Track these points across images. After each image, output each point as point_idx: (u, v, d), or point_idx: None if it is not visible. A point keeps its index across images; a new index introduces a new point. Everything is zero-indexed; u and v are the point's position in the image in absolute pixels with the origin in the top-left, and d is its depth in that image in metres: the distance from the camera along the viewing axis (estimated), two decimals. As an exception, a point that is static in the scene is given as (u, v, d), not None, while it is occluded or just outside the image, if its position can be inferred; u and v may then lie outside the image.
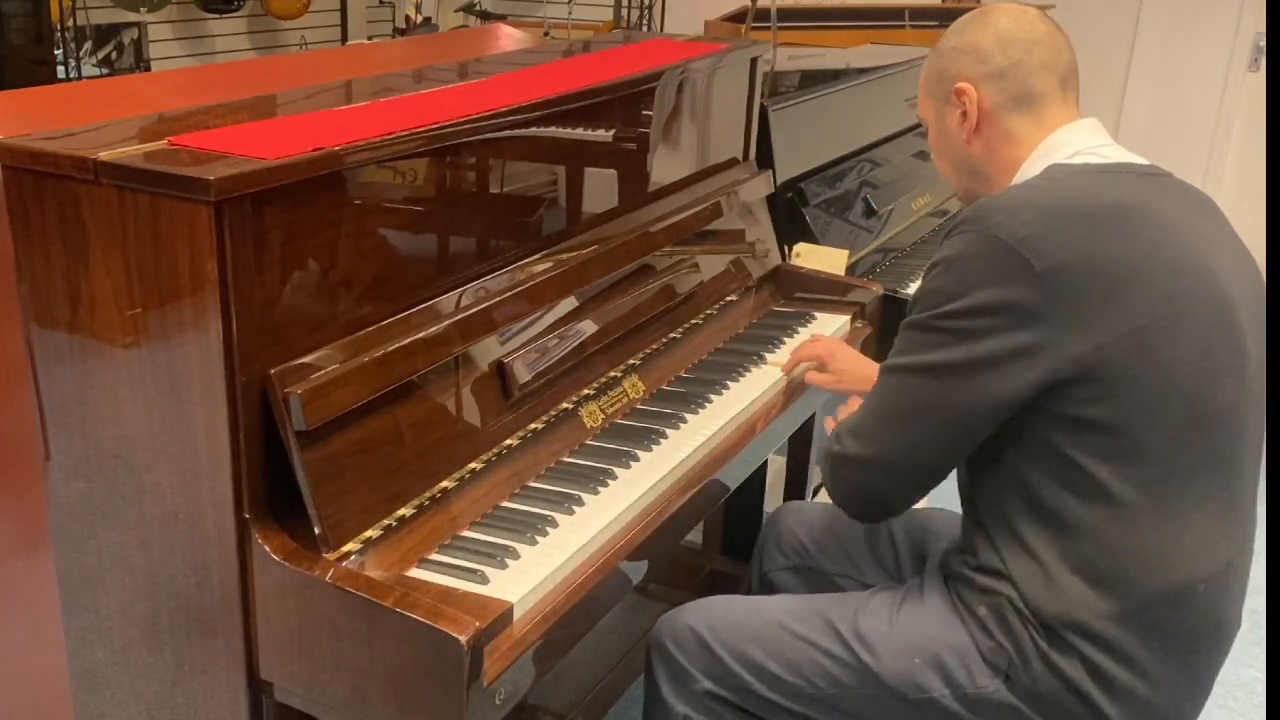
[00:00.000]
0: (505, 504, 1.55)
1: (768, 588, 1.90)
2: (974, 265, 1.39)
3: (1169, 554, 1.41)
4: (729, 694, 1.61)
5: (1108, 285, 1.36)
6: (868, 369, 1.90)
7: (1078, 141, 1.51)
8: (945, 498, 1.74)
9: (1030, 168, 1.52)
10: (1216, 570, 1.43)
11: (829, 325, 2.24)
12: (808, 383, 1.99)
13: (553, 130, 1.78)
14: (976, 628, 1.49)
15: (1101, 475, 1.39)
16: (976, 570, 1.51)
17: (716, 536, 2.67)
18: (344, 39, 6.22)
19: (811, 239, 2.48)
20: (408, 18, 5.99)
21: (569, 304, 1.77)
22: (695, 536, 2.65)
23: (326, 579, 1.29)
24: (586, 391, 1.78)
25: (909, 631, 1.53)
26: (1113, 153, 1.50)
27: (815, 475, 2.77)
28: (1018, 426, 1.41)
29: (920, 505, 1.89)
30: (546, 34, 5.32)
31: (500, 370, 1.62)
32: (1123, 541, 1.40)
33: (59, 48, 4.74)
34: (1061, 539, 1.42)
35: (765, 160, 2.47)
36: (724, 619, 1.63)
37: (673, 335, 2.02)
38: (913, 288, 2.56)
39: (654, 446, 1.72)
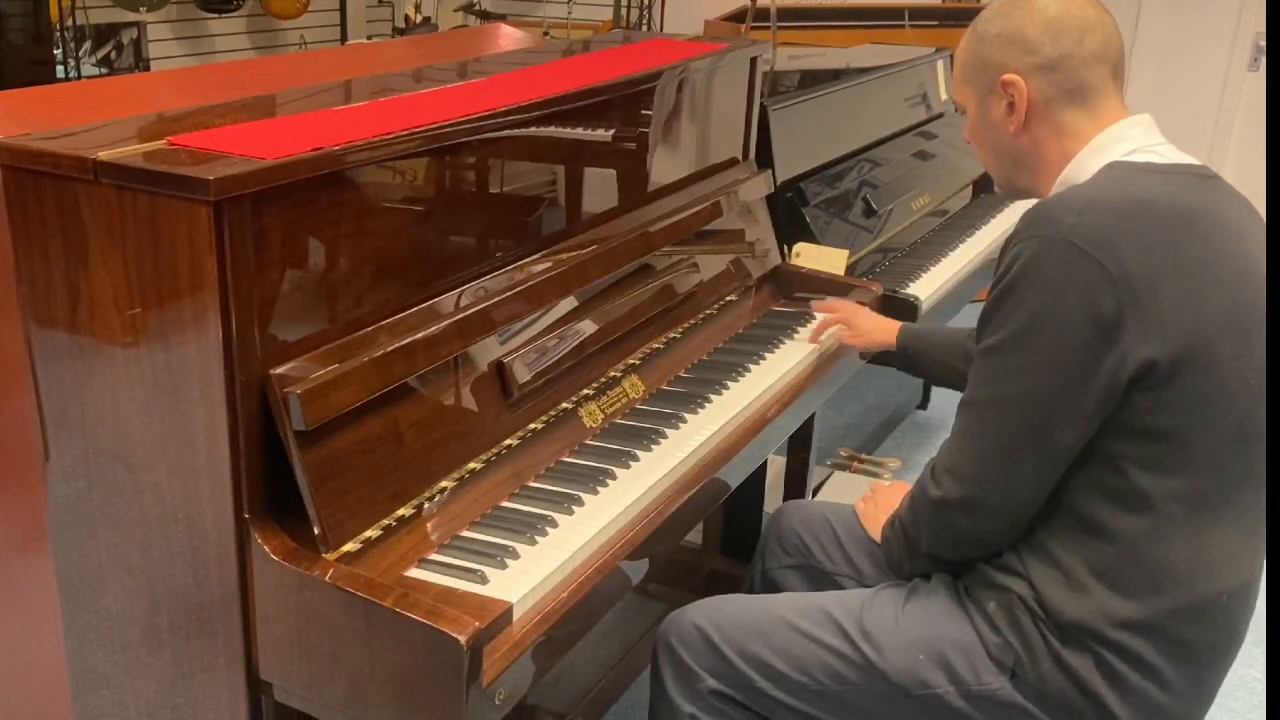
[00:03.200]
0: (505, 504, 1.55)
1: (770, 586, 1.90)
2: (1050, 275, 1.34)
3: (1199, 567, 1.40)
4: (735, 692, 1.60)
5: (1182, 292, 1.33)
6: (886, 324, 2.09)
7: (1134, 138, 1.47)
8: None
9: (1084, 162, 1.47)
10: (1239, 585, 1.43)
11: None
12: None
13: (552, 130, 1.77)
14: (984, 624, 1.48)
15: (1145, 485, 1.37)
16: (989, 565, 1.50)
17: (716, 536, 2.67)
18: (343, 39, 6.22)
19: (811, 239, 2.48)
20: (407, 17, 5.99)
21: (569, 304, 1.77)
22: (695, 536, 2.65)
23: (326, 579, 1.29)
24: (586, 391, 1.78)
25: (914, 627, 1.53)
26: (1169, 152, 1.47)
27: (815, 475, 2.77)
28: None
29: None
30: (546, 34, 5.32)
31: (500, 370, 1.62)
32: (1155, 552, 1.39)
33: (58, 47, 4.74)
34: (1091, 544, 1.41)
35: (765, 160, 2.47)
36: (729, 617, 1.63)
37: (672, 335, 2.02)
38: (912, 287, 2.56)
39: (654, 446, 1.72)
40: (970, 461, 1.44)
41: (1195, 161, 1.48)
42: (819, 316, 2.24)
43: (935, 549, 1.53)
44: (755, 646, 1.59)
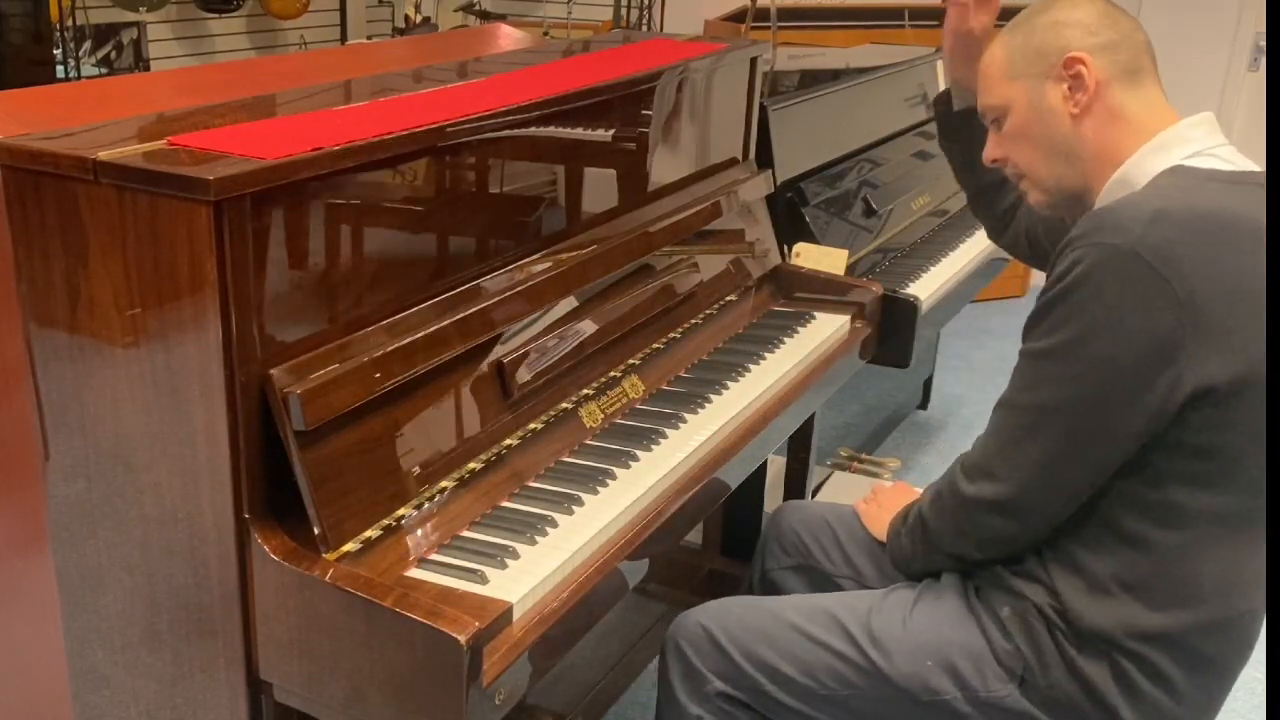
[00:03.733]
0: (505, 504, 1.55)
1: (769, 587, 1.89)
2: (1111, 286, 1.30)
3: (1228, 584, 1.40)
4: (742, 695, 1.60)
5: (1246, 313, 1.31)
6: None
7: (1197, 139, 1.44)
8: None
9: (1144, 163, 1.44)
10: (1260, 604, 1.43)
11: (829, 325, 2.24)
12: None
13: (552, 130, 1.77)
14: (995, 629, 1.48)
15: (1185, 501, 1.36)
16: (1006, 570, 1.49)
17: (716, 536, 2.67)
18: (343, 39, 6.22)
19: (811, 239, 2.48)
20: (407, 17, 5.98)
21: (568, 304, 1.77)
22: (695, 536, 2.65)
23: (326, 579, 1.29)
24: (586, 391, 1.78)
25: (922, 632, 1.52)
26: (1232, 155, 1.44)
27: (815, 475, 2.77)
28: None
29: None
30: (546, 34, 5.32)
31: (500, 370, 1.62)
32: (1187, 567, 1.38)
33: (58, 47, 4.74)
34: (1123, 555, 1.40)
35: (765, 160, 2.46)
36: (736, 619, 1.62)
37: (672, 335, 2.02)
38: (912, 287, 2.56)
39: (654, 446, 1.72)
40: (1008, 464, 1.43)
41: (1256, 168, 1.46)
42: (817, 315, 2.23)
43: (959, 547, 1.52)
44: (762, 650, 1.58)
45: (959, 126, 1.96)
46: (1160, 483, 1.36)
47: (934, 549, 1.56)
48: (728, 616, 1.63)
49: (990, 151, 1.59)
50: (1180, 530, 1.37)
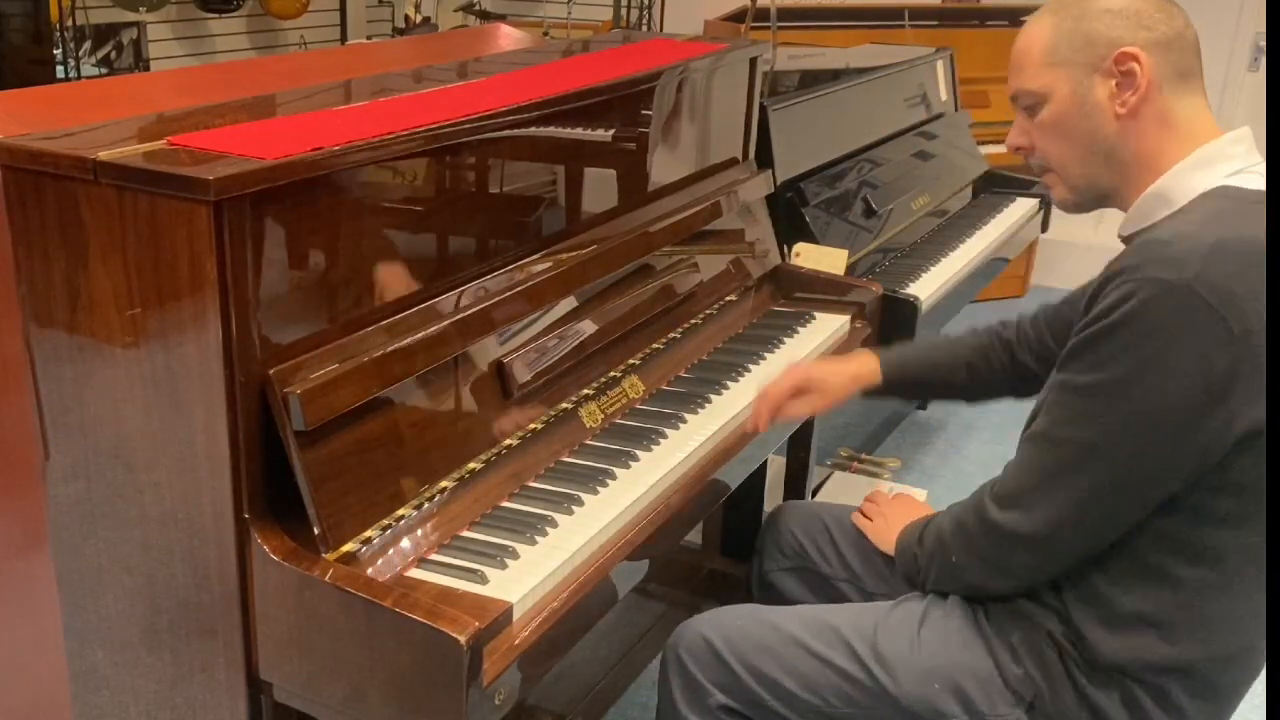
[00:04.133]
0: (505, 504, 1.55)
1: (768, 588, 1.89)
2: (1165, 324, 1.24)
3: (1251, 617, 1.38)
4: (744, 708, 1.58)
5: None
6: (851, 365, 1.84)
7: (1239, 156, 1.37)
8: (944, 496, 1.73)
9: (1185, 179, 1.36)
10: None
11: (829, 325, 2.24)
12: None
13: (552, 130, 1.77)
14: (1005, 653, 1.45)
15: (1219, 540, 1.33)
16: (1019, 595, 1.47)
17: (716, 536, 2.67)
18: (343, 39, 6.22)
19: (811, 239, 2.48)
20: (407, 17, 5.98)
21: (568, 304, 1.77)
22: (695, 536, 2.65)
23: (325, 579, 1.29)
24: (586, 391, 1.78)
25: (930, 654, 1.49)
26: (1264, 169, 1.39)
27: (815, 475, 2.77)
28: None
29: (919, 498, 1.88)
30: (546, 34, 5.32)
31: (500, 370, 1.62)
32: (1214, 603, 1.36)
33: (58, 47, 4.74)
34: (1150, 591, 1.37)
35: (765, 160, 2.47)
36: (739, 631, 1.59)
37: (672, 335, 2.02)
38: (912, 287, 2.56)
39: (654, 446, 1.72)
40: (1045, 500, 1.37)
41: None
42: (817, 315, 2.23)
43: (982, 578, 1.48)
44: (765, 664, 1.55)
45: (915, 394, 1.90)
46: (1197, 521, 1.33)
47: (953, 578, 1.52)
48: (730, 628, 1.60)
49: (1015, 139, 1.49)
50: (1211, 568, 1.34)
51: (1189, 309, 1.23)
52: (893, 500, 1.81)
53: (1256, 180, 1.37)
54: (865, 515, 1.81)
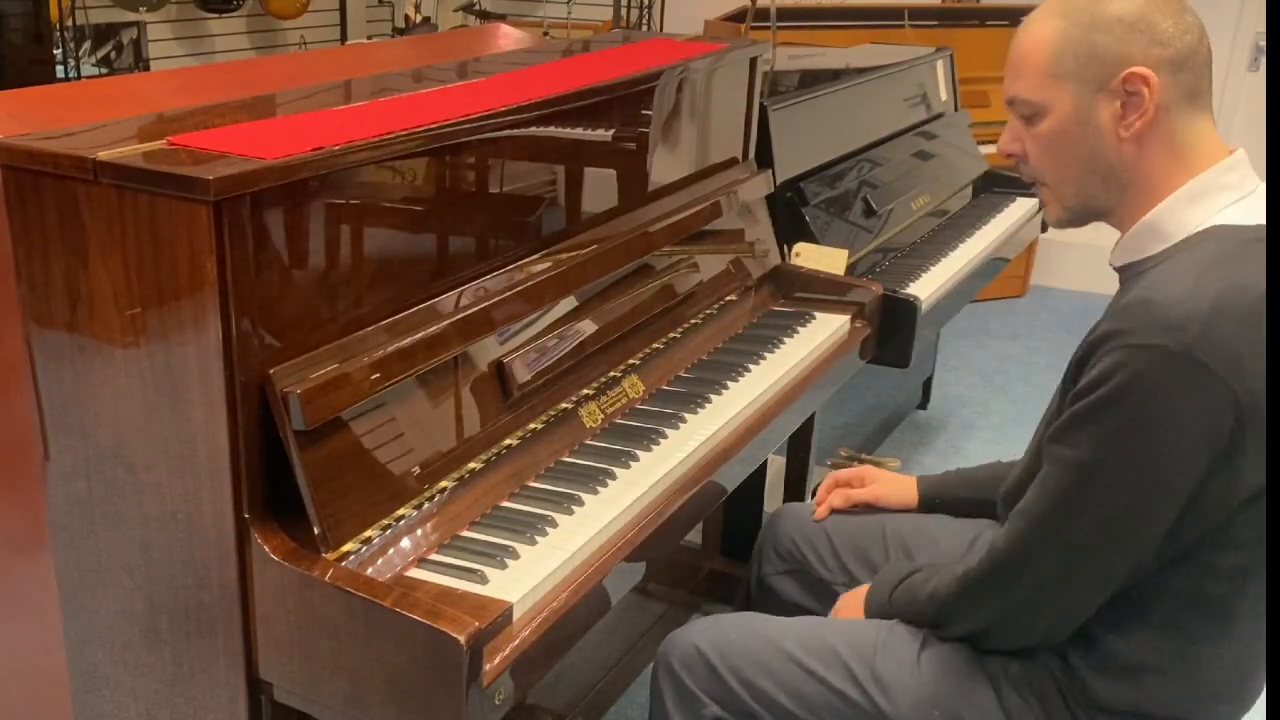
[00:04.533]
0: (504, 504, 1.55)
1: (765, 591, 1.89)
2: (1166, 395, 1.19)
3: (1252, 661, 1.37)
4: None
5: None
6: (905, 484, 1.83)
7: (1233, 185, 1.31)
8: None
9: (1180, 213, 1.30)
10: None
11: (829, 325, 2.24)
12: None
13: (552, 130, 1.77)
14: (1005, 685, 1.44)
15: (1224, 591, 1.31)
16: None
17: (716, 537, 2.67)
18: (343, 38, 6.21)
19: (811, 239, 2.48)
20: (407, 17, 5.98)
21: (568, 304, 1.77)
22: (695, 536, 2.65)
23: (325, 579, 1.29)
24: (586, 391, 1.78)
25: (930, 681, 1.47)
26: (1259, 198, 1.33)
27: (815, 475, 2.77)
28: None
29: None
30: (546, 34, 5.32)
31: (499, 370, 1.62)
32: (1216, 653, 1.35)
33: (58, 47, 4.73)
34: (1149, 641, 1.35)
35: (765, 160, 2.47)
36: (734, 644, 1.57)
37: (672, 335, 2.02)
38: (912, 287, 2.56)
39: (653, 446, 1.72)
40: (1047, 557, 1.33)
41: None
42: (817, 315, 2.23)
43: (967, 631, 1.46)
44: (761, 680, 1.53)
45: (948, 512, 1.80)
46: (1202, 575, 1.31)
47: (939, 628, 1.50)
48: (724, 638, 1.57)
49: (1007, 145, 1.40)
50: (1212, 618, 1.32)
51: (1189, 375, 1.18)
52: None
53: (1254, 210, 1.31)
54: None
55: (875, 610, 1.59)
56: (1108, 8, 1.30)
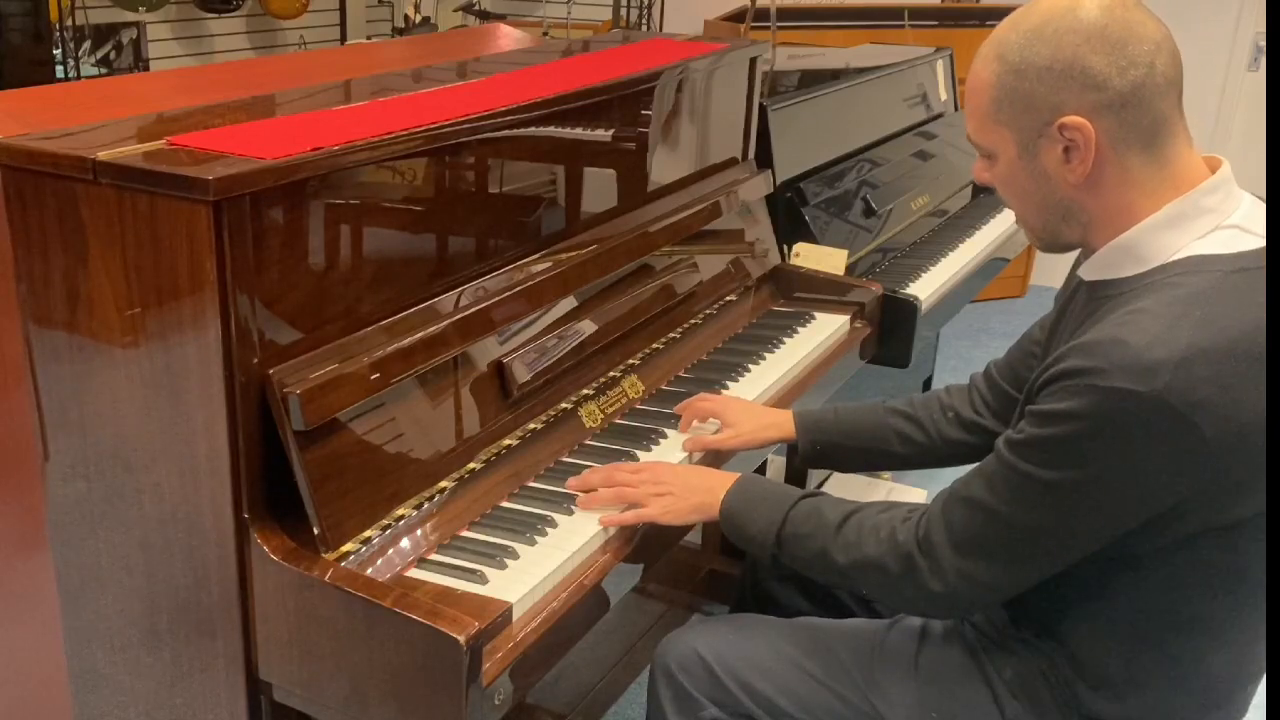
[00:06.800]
0: (504, 504, 1.55)
1: (762, 592, 1.88)
2: (1132, 439, 1.17)
3: (1241, 670, 1.38)
4: None
5: (1258, 443, 1.18)
6: (771, 416, 1.79)
7: (1213, 209, 1.26)
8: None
9: (1156, 239, 1.26)
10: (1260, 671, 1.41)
11: (828, 325, 2.24)
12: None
13: (552, 130, 1.77)
14: (1002, 688, 1.44)
15: (1203, 605, 1.31)
16: (1012, 638, 1.46)
17: (716, 536, 2.67)
18: (343, 38, 6.22)
19: (811, 239, 2.48)
20: (406, 17, 5.98)
21: (568, 304, 1.77)
22: (694, 537, 2.65)
23: (325, 579, 1.29)
24: (586, 391, 1.78)
25: (927, 684, 1.47)
26: (1249, 218, 1.28)
27: (815, 475, 2.77)
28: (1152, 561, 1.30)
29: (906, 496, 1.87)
30: (545, 34, 5.32)
31: (499, 370, 1.62)
32: (1201, 667, 1.35)
33: (58, 47, 4.74)
34: (1131, 655, 1.36)
35: (765, 160, 2.47)
36: (732, 646, 1.56)
37: (672, 335, 2.02)
38: (912, 287, 2.55)
39: (653, 447, 1.72)
40: (980, 570, 1.31)
41: (1259, 233, 1.28)
42: (817, 315, 2.23)
43: (929, 608, 1.41)
44: (760, 683, 1.52)
45: (832, 461, 1.76)
46: (1175, 588, 1.31)
47: (824, 569, 1.44)
48: (722, 642, 1.57)
49: (978, 175, 1.38)
50: (1198, 635, 1.32)
51: (1158, 423, 1.15)
52: (654, 467, 1.60)
53: (1238, 242, 1.26)
54: (623, 489, 1.56)
55: (755, 509, 1.49)
56: (1038, 55, 1.24)
